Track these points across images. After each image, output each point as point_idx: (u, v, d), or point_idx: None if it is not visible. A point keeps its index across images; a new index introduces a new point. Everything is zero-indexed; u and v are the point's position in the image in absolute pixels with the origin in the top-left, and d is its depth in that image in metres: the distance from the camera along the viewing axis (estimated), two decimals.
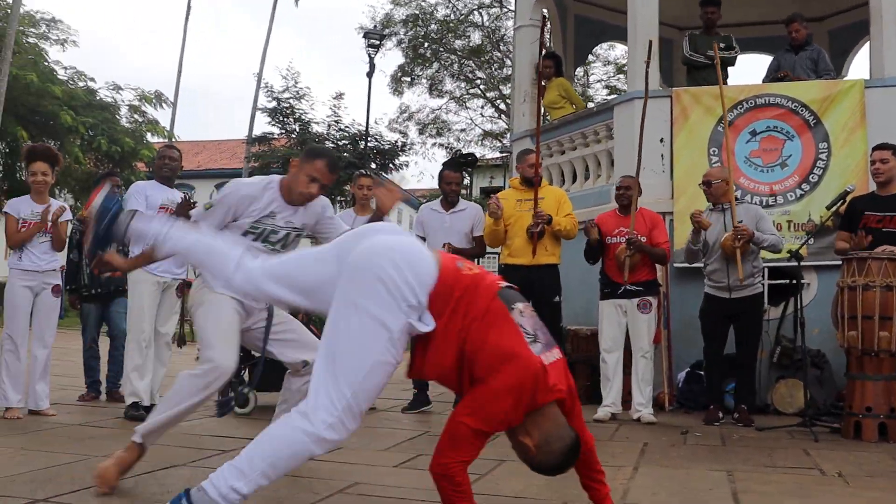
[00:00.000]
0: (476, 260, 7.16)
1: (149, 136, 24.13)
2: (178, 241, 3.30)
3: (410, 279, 2.75)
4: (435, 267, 2.82)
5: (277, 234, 4.06)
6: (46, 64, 21.82)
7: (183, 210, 6.10)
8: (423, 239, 7.01)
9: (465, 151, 27.28)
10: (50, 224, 5.99)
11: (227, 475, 2.80)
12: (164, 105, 24.44)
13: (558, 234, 6.54)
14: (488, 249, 7.06)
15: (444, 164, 7.40)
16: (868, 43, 8.52)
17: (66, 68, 22.72)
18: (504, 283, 2.89)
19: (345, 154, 25.58)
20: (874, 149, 6.28)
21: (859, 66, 16.41)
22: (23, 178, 18.08)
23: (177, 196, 6.23)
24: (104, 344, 7.10)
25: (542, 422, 2.73)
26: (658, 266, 6.86)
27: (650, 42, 7.23)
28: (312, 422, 2.74)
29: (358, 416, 2.78)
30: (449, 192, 7.04)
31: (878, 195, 6.20)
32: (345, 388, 2.73)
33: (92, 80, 23.11)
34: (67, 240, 6.36)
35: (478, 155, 32.37)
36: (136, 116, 24.11)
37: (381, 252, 2.83)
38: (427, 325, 2.77)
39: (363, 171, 8.29)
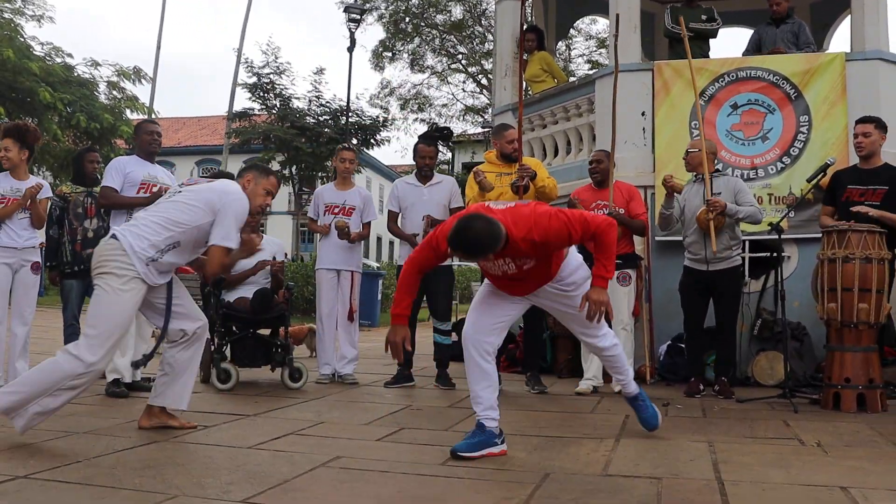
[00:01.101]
0: None
1: (128, 113, 23.92)
2: None
3: None
4: None
5: None
6: (22, 40, 21.53)
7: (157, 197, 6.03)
8: (399, 213, 6.99)
9: (440, 125, 27.22)
10: (30, 201, 5.94)
11: None
12: (143, 81, 24.17)
13: (541, 192, 6.45)
14: None
15: (419, 138, 7.35)
16: (849, 16, 8.52)
17: (42, 44, 22.45)
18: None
19: (326, 129, 25.51)
20: (857, 122, 6.29)
21: (840, 39, 16.45)
22: None
23: (158, 172, 6.18)
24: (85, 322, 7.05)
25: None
26: (639, 239, 6.87)
27: (617, 16, 7.21)
28: None
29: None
30: (423, 165, 7.00)
31: (860, 168, 6.22)
32: None
33: (69, 55, 22.86)
34: (47, 216, 6.31)
35: (459, 130, 32.35)
36: (114, 93, 23.87)
37: None
38: None
39: (345, 144, 8.23)
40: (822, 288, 5.87)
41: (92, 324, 4.16)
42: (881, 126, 6.17)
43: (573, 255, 4.28)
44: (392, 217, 7.05)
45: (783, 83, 7.51)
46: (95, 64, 23.17)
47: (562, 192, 6.94)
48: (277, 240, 7.16)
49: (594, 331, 4.35)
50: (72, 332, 7.01)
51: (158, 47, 25.17)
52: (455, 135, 33.10)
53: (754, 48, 8.18)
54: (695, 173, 6.56)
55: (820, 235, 6.14)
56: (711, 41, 8.54)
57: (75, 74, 22.58)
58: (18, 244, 5.95)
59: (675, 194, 6.41)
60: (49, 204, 6.36)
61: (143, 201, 5.84)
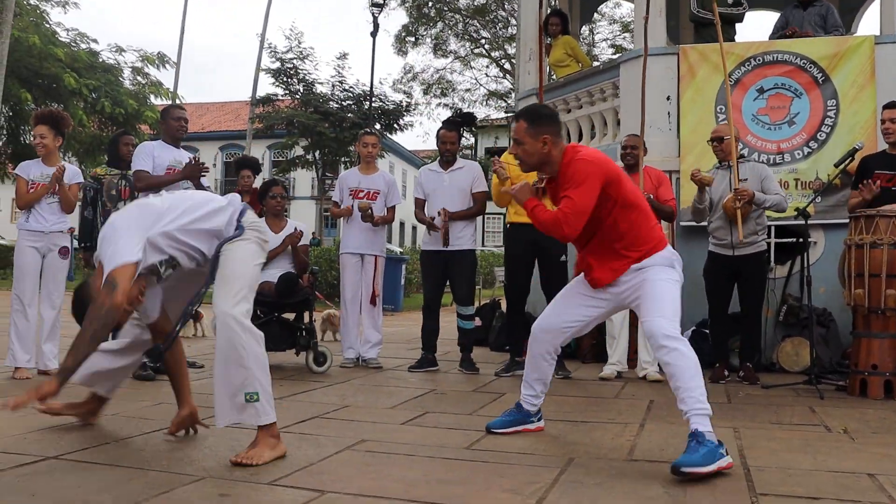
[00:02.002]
0: (477, 219, 7.15)
1: (152, 98, 24.06)
2: None
3: None
4: None
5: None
6: (48, 26, 21.70)
7: (193, 172, 6.07)
8: (425, 200, 7.00)
9: (464, 111, 27.22)
10: (57, 186, 6.01)
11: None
12: (167, 66, 24.32)
13: None
14: (495, 209, 7.03)
15: (442, 124, 7.34)
16: None
17: (67, 30, 22.63)
18: None
19: (349, 115, 25.55)
20: (885, 107, 6.20)
21: (869, 22, 16.27)
22: (27, 142, 18.05)
23: (184, 157, 6.22)
24: None
25: None
26: (664, 224, 6.83)
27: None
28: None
29: None
30: (444, 150, 6.99)
31: (889, 154, 6.13)
32: None
33: (94, 41, 23.01)
34: (81, 199, 6.37)
35: (482, 115, 32.32)
36: (139, 78, 24.03)
37: None
38: None
39: (368, 129, 8.23)
40: (849, 274, 5.82)
41: None
42: None
43: (661, 255, 3.77)
44: (419, 204, 7.06)
45: (810, 67, 7.43)
46: (120, 50, 23.36)
47: None
48: (296, 222, 7.18)
49: (654, 310, 3.61)
50: None
51: (182, 32, 25.29)
52: (478, 120, 33.13)
53: (781, 31, 8.09)
54: (722, 159, 6.51)
55: (847, 221, 6.08)
56: (738, 25, 8.46)
57: (100, 60, 22.72)
58: (46, 228, 6.03)
59: (707, 187, 6.35)
60: (80, 188, 6.41)
61: (176, 178, 6.00)
